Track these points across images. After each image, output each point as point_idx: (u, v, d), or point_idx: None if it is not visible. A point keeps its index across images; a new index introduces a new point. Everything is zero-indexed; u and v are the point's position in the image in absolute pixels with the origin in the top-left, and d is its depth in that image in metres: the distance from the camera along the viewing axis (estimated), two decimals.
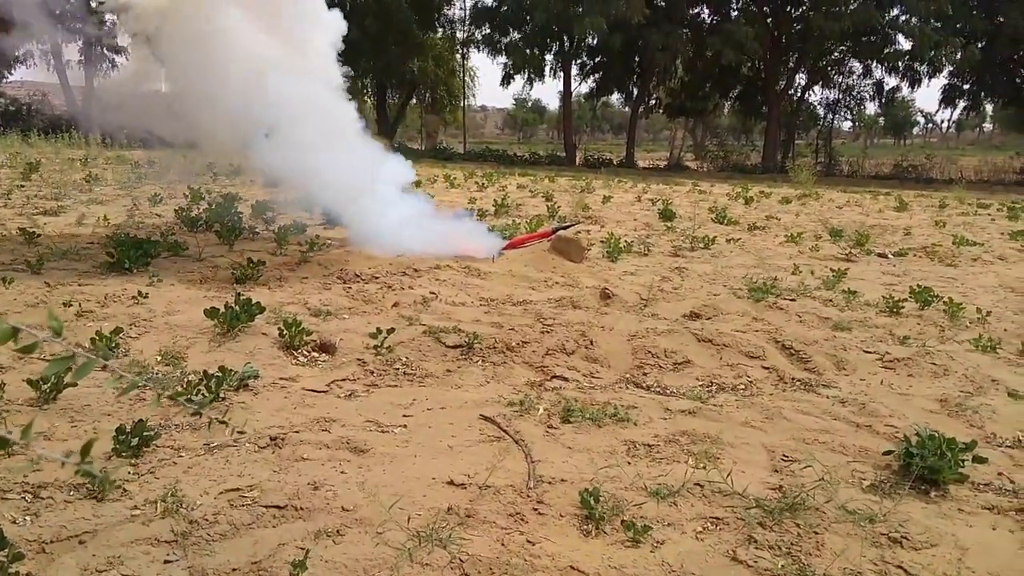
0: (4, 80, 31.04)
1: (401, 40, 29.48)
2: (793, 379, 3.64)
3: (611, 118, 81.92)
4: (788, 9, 31.25)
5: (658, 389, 3.48)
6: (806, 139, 38.32)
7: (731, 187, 18.86)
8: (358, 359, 3.54)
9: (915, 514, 2.40)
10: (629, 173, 27.03)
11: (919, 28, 26.99)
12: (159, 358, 3.37)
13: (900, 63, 31.18)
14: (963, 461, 2.58)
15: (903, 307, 4.81)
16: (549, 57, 33.98)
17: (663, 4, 30.64)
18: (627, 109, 37.38)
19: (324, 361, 3.57)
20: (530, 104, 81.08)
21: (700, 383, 3.58)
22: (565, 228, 5.91)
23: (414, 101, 37.96)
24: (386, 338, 3.61)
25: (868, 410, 3.24)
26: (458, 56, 35.93)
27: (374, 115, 37.74)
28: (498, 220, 8.20)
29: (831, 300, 5.06)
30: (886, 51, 30.87)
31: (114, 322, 3.66)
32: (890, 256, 7.04)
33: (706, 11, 33.18)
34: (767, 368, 3.75)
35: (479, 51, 34.20)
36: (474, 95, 48.58)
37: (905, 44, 29.96)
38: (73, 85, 29.78)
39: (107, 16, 28.76)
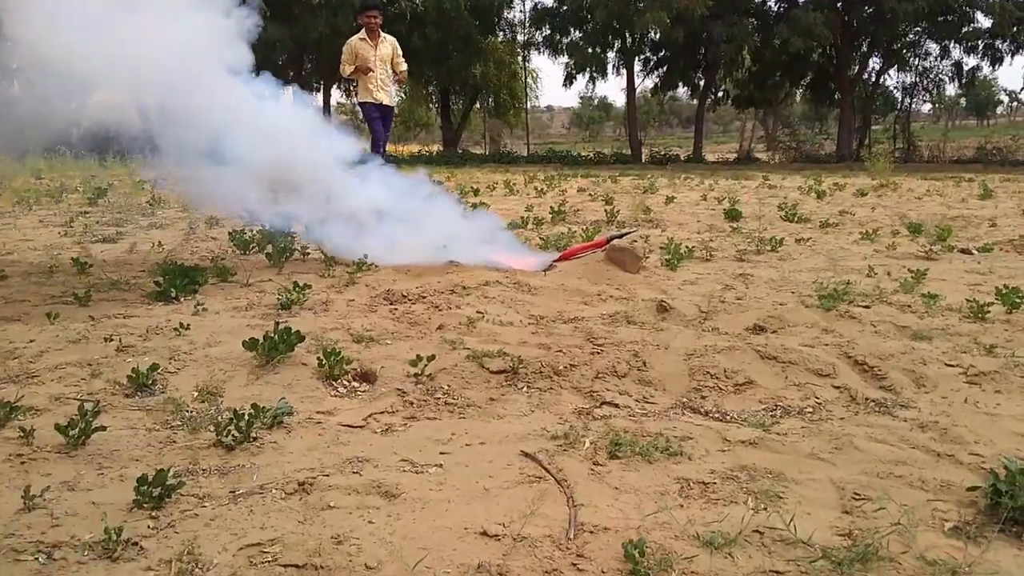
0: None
1: (462, 46, 29.56)
2: (867, 399, 3.34)
3: (679, 111, 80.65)
4: None
5: (717, 415, 3.24)
6: (883, 124, 36.79)
7: (803, 179, 18.23)
8: (398, 389, 3.40)
9: (1005, 563, 2.11)
10: (697, 169, 26.49)
11: (999, 4, 25.63)
12: (196, 394, 3.29)
13: (980, 42, 29.76)
14: None
15: (989, 311, 4.42)
16: (611, 54, 33.63)
17: None
18: (695, 102, 36.58)
19: (364, 392, 3.44)
20: (596, 102, 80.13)
21: (763, 406, 3.32)
22: (620, 236, 5.67)
23: (478, 106, 38.04)
24: (426, 365, 3.46)
25: (951, 435, 2.93)
26: (519, 59, 35.84)
27: (439, 122, 38.03)
28: (554, 228, 8.00)
29: (909, 306, 4.70)
30: (964, 30, 29.48)
31: (154, 356, 3.61)
32: (974, 252, 6.57)
33: None
34: (838, 387, 3.46)
35: (540, 53, 34.10)
36: (537, 97, 48.57)
37: (985, 22, 28.53)
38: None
39: None
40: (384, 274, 5.27)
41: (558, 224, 8.34)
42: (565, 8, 31.61)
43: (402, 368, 3.58)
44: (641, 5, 27.72)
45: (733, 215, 8.57)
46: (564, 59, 33.67)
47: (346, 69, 9.53)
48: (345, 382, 3.51)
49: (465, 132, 39.71)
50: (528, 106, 38.43)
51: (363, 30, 9.48)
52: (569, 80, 34.50)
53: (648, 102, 52.83)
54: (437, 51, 29.15)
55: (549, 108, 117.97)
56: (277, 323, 3.70)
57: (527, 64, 36.46)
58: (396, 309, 4.51)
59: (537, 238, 6.89)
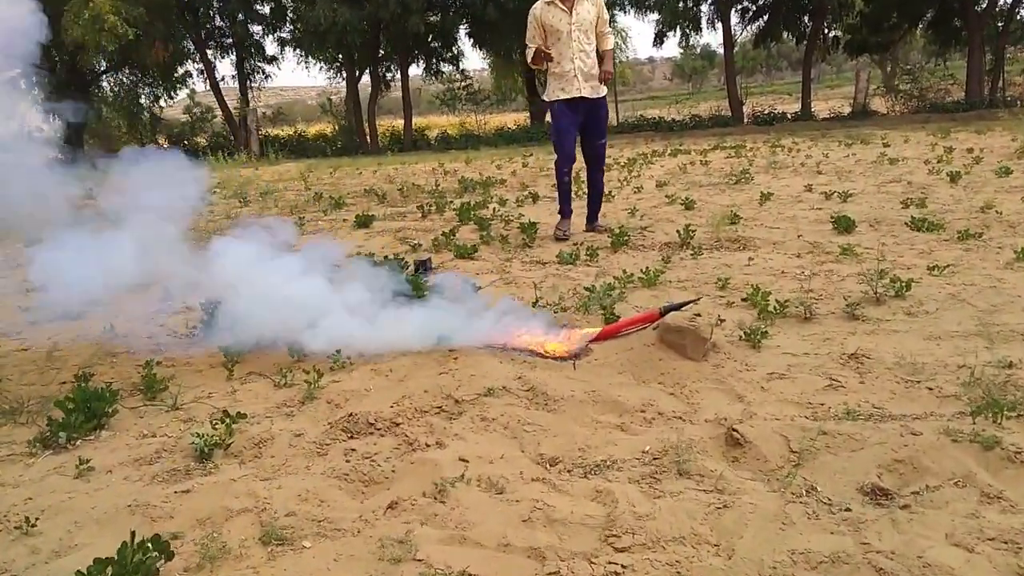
0: (171, 102, 32.52)
1: None
2: None
3: (788, 54, 76.04)
4: None
5: None
6: (1019, 60, 32.67)
7: (930, 140, 15.96)
8: None
9: None
10: (805, 129, 24.17)
11: None
12: None
13: None
14: None
15: None
16: (704, 7, 31.14)
17: None
18: (804, 46, 33.46)
19: None
20: (698, 50, 76.13)
21: None
22: (677, 308, 4.18)
23: None
24: None
25: None
26: None
27: (525, 92, 36.63)
28: (612, 259, 6.53)
29: None
30: None
31: None
32: None
33: None
34: None
35: (625, 13, 31.93)
36: (627, 55, 46.14)
37: None
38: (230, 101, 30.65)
39: (256, 28, 29.10)
40: (357, 378, 3.99)
41: (618, 252, 6.85)
42: None
43: None
44: None
45: (844, 225, 6.85)
46: (654, 16, 31.43)
47: (529, 55, 6.98)
48: None
49: None
50: (616, 70, 36.22)
51: None
52: (660, 39, 32.20)
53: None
54: (516, 20, 27.50)
55: (651, 60, 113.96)
56: (133, 532, 2.49)
57: (614, 24, 34.27)
58: (353, 451, 3.24)
59: (579, 287, 5.46)
